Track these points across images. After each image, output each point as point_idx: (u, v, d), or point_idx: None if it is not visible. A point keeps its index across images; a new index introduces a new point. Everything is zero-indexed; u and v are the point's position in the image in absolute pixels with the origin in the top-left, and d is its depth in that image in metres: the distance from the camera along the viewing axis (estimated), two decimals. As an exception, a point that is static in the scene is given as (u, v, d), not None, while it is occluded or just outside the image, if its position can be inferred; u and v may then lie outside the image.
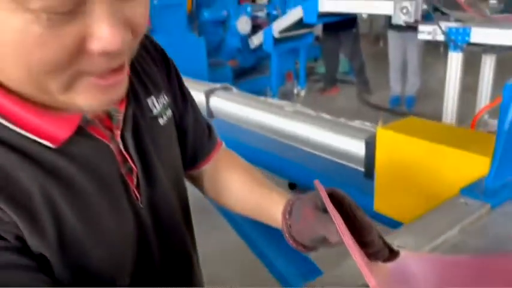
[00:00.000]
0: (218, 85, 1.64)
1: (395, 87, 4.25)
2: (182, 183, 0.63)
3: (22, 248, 0.40)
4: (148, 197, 0.53)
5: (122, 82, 0.42)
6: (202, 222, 2.48)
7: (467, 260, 0.62)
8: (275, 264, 1.06)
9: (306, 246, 0.57)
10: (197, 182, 0.71)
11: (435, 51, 5.57)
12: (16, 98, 0.40)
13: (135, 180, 0.51)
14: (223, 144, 0.72)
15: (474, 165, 0.85)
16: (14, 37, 0.34)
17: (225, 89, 1.62)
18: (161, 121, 0.57)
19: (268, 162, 1.39)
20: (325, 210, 0.52)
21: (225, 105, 1.54)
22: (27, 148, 0.41)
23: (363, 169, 1.14)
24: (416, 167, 0.97)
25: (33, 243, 0.41)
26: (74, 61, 0.36)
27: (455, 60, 2.54)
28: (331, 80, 4.80)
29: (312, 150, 1.29)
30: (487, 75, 2.52)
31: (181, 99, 0.63)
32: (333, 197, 0.52)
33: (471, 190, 0.79)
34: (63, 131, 0.43)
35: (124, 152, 0.50)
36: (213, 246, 2.12)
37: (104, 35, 0.36)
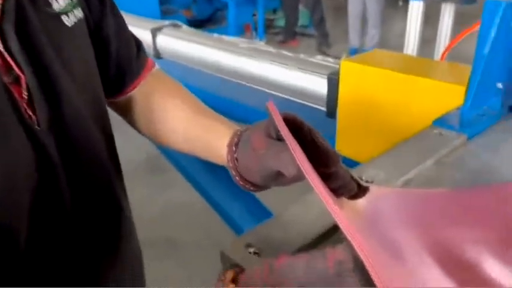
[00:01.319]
0: (166, 22, 1.47)
1: (354, 40, 4.18)
2: (103, 110, 0.50)
3: None
4: (50, 118, 0.40)
5: None
6: (157, 180, 2.38)
7: (444, 194, 0.54)
8: (226, 210, 0.97)
9: (255, 184, 0.46)
10: (125, 112, 0.57)
11: (394, 4, 5.53)
12: None
13: (25, 93, 0.38)
14: (157, 65, 0.58)
15: (448, 96, 0.77)
16: None
17: (174, 26, 1.46)
18: (67, 21, 0.43)
19: (222, 107, 1.26)
20: (279, 139, 0.42)
21: (174, 43, 1.38)
22: None
23: (324, 108, 1.04)
24: (383, 102, 0.88)
25: None
26: None
27: (415, 9, 2.47)
28: (291, 33, 4.67)
29: (270, 91, 1.18)
30: (445, 26, 2.47)
31: (97, 1, 0.49)
32: (289, 122, 0.41)
33: (445, 121, 0.71)
34: None
35: (2, 51, 0.36)
36: (168, 205, 2.01)
37: None
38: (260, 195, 1.06)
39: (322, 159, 0.40)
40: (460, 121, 0.70)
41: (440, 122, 0.70)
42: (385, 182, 0.56)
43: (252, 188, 0.46)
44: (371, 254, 0.27)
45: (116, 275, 0.50)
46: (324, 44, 4.43)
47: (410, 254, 0.43)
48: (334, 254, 0.28)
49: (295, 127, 0.41)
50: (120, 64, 0.52)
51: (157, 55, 1.45)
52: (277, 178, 0.43)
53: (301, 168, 0.36)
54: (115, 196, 0.50)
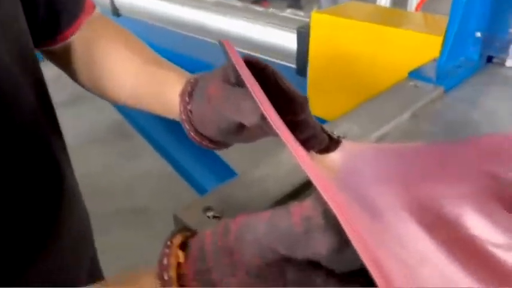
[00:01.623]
0: (124, -25, 1.36)
1: (325, 3, 4.09)
2: (32, 58, 0.42)
3: None
4: None
5: None
6: (125, 147, 2.29)
7: (421, 149, 0.50)
8: (190, 172, 0.91)
9: (214, 140, 0.40)
10: (65, 64, 0.50)
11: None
12: None
13: None
14: (98, 10, 0.50)
15: (424, 47, 0.73)
16: None
17: (133, -20, 1.35)
18: None
19: (187, 66, 1.19)
20: (239, 85, 0.36)
21: (134, -2, 1.28)
22: None
23: (294, 65, 0.99)
24: (357, 55, 0.83)
25: None
26: None
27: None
28: (261, -6, 4.53)
29: (238, 49, 1.11)
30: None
31: None
32: (250, 65, 0.35)
33: (421, 73, 0.66)
34: None
35: None
36: (136, 172, 1.95)
37: None
38: (225, 156, 1.00)
39: (289, 105, 0.35)
40: (436, 73, 0.65)
41: (416, 74, 0.66)
42: (359, 137, 0.52)
43: (210, 145, 0.40)
44: (345, 208, 0.23)
45: (58, 246, 0.44)
46: (294, 6, 4.32)
47: (386, 210, 0.39)
48: (301, 209, 0.23)
49: (257, 71, 0.36)
50: (51, 3, 0.45)
51: (116, 12, 1.34)
52: (239, 132, 0.38)
53: (266, 116, 0.31)
54: (54, 161, 0.44)
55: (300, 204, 0.24)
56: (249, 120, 0.34)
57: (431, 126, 0.56)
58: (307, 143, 0.35)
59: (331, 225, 0.22)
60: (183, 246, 0.28)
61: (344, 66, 0.87)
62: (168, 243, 0.27)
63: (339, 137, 0.37)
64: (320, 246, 0.22)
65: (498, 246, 0.36)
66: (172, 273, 0.25)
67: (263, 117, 0.33)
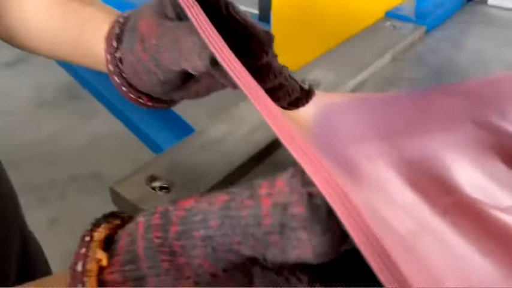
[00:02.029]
0: None
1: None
2: None
3: None
4: None
5: None
6: (79, 108, 2.14)
7: (404, 98, 0.44)
8: (146, 132, 0.82)
9: (153, 97, 0.32)
10: None
11: None
12: None
13: None
14: None
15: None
16: None
17: None
18: None
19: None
20: (180, 18, 0.27)
21: None
22: None
23: (256, 11, 0.89)
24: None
25: None
26: None
27: None
28: None
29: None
30: None
31: None
32: None
33: (399, 11, 0.59)
34: None
35: None
36: (92, 136, 1.82)
37: None
38: (185, 112, 0.91)
39: (247, 45, 0.27)
40: (416, 12, 0.58)
41: (394, 13, 0.58)
42: (334, 85, 0.44)
43: (149, 104, 0.32)
44: (335, 180, 0.15)
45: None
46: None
47: (373, 176, 0.32)
48: (272, 191, 0.15)
49: (205, 3, 0.27)
50: None
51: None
52: (185, 84, 0.29)
53: (219, 59, 0.23)
54: None
55: (270, 183, 0.16)
56: (196, 65, 0.25)
57: (413, 71, 0.49)
58: (272, 95, 0.27)
59: (319, 216, 0.14)
60: (108, 242, 0.20)
61: (313, 6, 0.78)
62: (86, 238, 0.19)
63: (311, 86, 0.29)
64: (304, 249, 0.15)
65: (502, 210, 0.30)
66: (91, 283, 0.18)
67: (215, 62, 0.25)
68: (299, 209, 0.15)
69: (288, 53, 0.84)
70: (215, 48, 0.23)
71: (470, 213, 0.29)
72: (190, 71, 0.26)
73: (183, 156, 0.34)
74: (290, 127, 0.18)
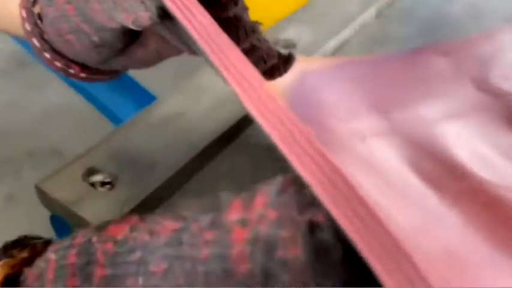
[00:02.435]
0: None
1: None
2: None
3: None
4: None
5: None
6: (27, 80, 1.99)
7: (394, 60, 0.38)
8: (101, 101, 0.74)
9: (85, 66, 0.24)
10: None
11: None
12: None
13: None
14: None
15: None
16: None
17: None
18: None
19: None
20: None
21: None
22: None
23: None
24: None
25: None
26: None
27: None
28: None
29: None
30: None
31: None
32: None
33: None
34: None
35: None
36: (48, 107, 1.70)
37: None
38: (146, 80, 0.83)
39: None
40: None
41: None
42: (311, 46, 0.38)
43: (82, 75, 0.24)
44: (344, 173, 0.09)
45: None
46: None
47: (363, 153, 0.27)
48: (247, 217, 0.09)
49: None
50: None
51: None
52: (127, 47, 0.22)
53: (169, 8, 0.16)
54: None
55: (245, 200, 0.10)
56: (138, 17, 0.18)
57: (401, 28, 0.43)
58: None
59: (327, 262, 0.08)
60: (13, 279, 0.13)
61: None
62: None
63: (291, 52, 0.23)
64: None
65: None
66: None
67: (164, 13, 0.18)
68: (293, 251, 0.09)
69: (256, 6, 0.74)
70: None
71: (482, 201, 0.24)
72: (131, 26, 0.19)
73: (129, 140, 0.27)
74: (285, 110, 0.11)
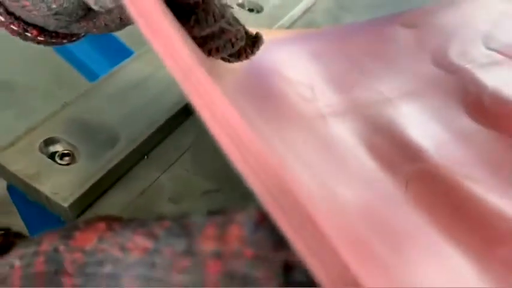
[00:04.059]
0: None
1: None
2: None
3: None
4: None
5: None
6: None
7: (356, 32, 0.38)
8: (76, 54, 0.70)
9: (43, 29, 0.23)
10: None
11: None
12: None
13: None
14: None
15: None
16: None
17: None
18: None
19: None
20: None
21: None
22: None
23: None
24: None
25: None
26: None
27: None
28: None
29: None
30: None
31: None
32: None
33: None
34: None
35: None
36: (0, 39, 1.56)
37: None
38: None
39: None
40: None
41: None
42: (279, 10, 0.37)
43: (40, 38, 0.23)
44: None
45: None
46: None
47: (321, 132, 0.28)
48: (221, 249, 0.10)
49: None
50: None
51: None
52: (88, 13, 0.21)
53: None
54: None
55: (220, 229, 0.10)
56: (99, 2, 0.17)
57: (368, -7, 0.43)
58: (209, 44, 0.20)
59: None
60: None
61: None
62: None
63: (258, 33, 0.22)
64: None
65: (464, 175, 0.27)
66: None
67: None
68: (264, 282, 0.09)
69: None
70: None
71: (434, 184, 0.25)
72: (94, 6, 0.18)
73: (93, 106, 0.26)
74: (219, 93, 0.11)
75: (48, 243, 0.12)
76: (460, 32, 0.37)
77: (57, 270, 0.12)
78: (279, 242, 0.09)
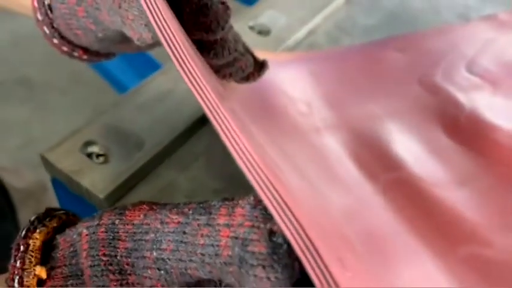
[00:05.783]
0: None
1: None
2: None
3: None
4: None
5: None
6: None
7: (352, 55, 0.42)
8: (106, 66, 0.75)
9: (87, 49, 0.28)
10: None
11: None
12: None
13: None
14: None
15: None
16: None
17: None
18: None
19: None
20: None
21: None
22: None
23: None
24: None
25: None
26: None
27: None
28: None
29: None
30: None
31: None
32: None
33: None
34: None
35: None
36: (17, 35, 1.64)
37: None
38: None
39: (198, 17, 0.23)
40: None
41: None
42: (286, 29, 0.42)
43: (84, 57, 0.28)
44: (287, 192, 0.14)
45: None
46: None
47: (316, 143, 0.32)
48: (231, 223, 0.15)
49: None
50: None
51: None
52: (124, 42, 0.26)
53: (160, 31, 0.19)
54: None
55: (229, 210, 0.15)
56: (142, 37, 0.22)
57: (367, 17, 0.47)
58: (224, 71, 0.24)
59: (279, 255, 0.14)
60: (48, 247, 0.18)
61: None
62: (21, 247, 0.18)
63: (265, 60, 0.27)
64: (262, 285, 0.14)
65: (436, 185, 0.31)
66: None
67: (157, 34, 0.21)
68: (259, 248, 0.14)
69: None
70: (160, 22, 0.20)
71: (409, 192, 0.30)
72: (136, 42, 0.23)
73: (124, 114, 0.31)
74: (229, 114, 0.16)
75: (107, 218, 0.17)
76: (446, 56, 0.42)
77: (114, 237, 0.17)
78: (266, 217, 0.14)
